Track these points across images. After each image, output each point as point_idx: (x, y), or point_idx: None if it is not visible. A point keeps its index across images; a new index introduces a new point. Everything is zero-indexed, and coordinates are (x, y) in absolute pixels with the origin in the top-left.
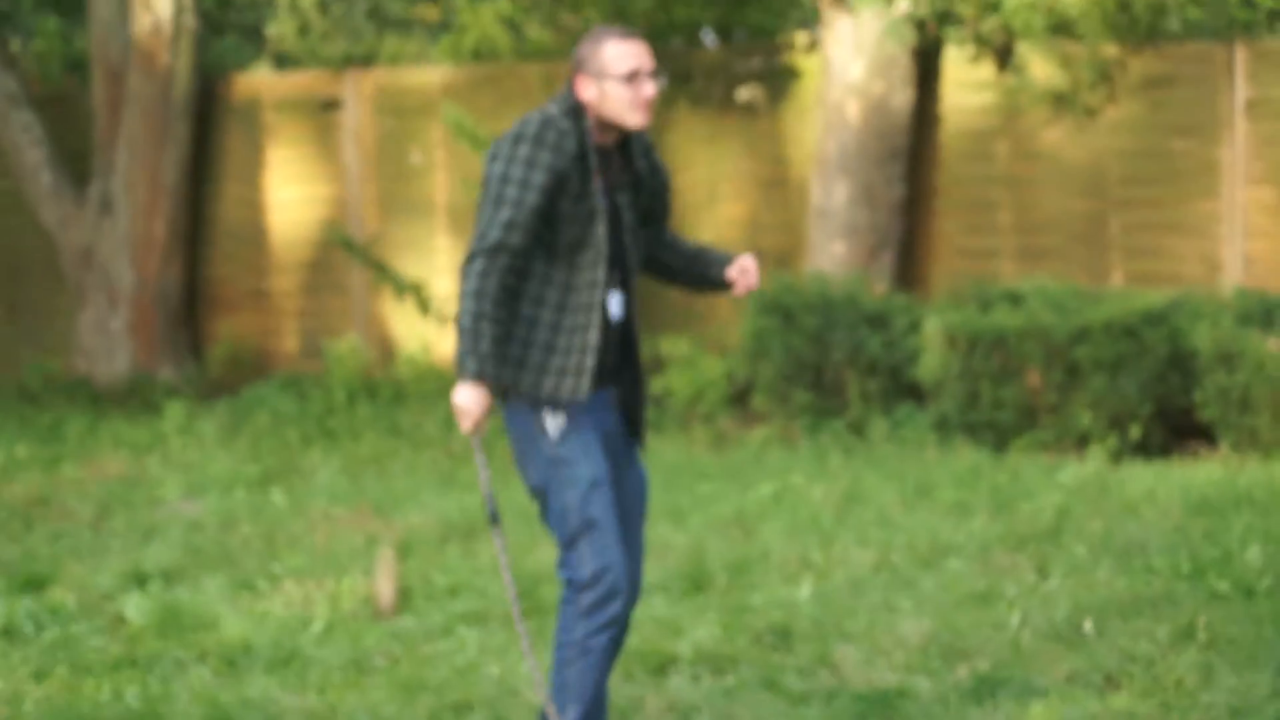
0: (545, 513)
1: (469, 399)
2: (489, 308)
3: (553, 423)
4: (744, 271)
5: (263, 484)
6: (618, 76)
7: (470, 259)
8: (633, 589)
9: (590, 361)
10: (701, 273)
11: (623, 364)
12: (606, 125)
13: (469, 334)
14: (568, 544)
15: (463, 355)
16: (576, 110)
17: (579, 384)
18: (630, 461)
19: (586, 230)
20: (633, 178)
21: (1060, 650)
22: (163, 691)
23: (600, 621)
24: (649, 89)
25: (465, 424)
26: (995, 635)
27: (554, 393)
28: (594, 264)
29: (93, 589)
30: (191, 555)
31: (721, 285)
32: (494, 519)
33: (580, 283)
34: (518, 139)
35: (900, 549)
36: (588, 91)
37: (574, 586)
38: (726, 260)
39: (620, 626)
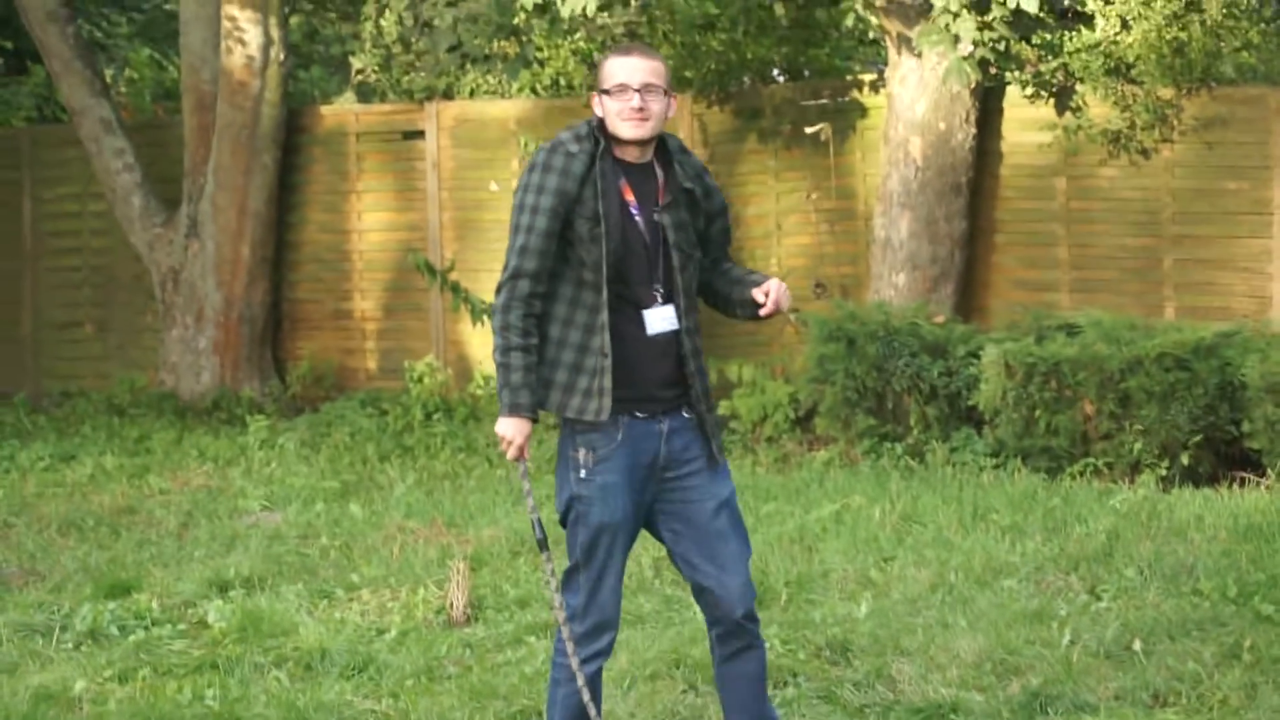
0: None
1: (506, 429)
2: (515, 339)
3: (584, 458)
4: (768, 292)
5: (341, 497)
6: (608, 90)
7: (498, 292)
8: (738, 600)
9: (607, 383)
10: (740, 296)
11: (680, 384)
12: (619, 141)
13: (500, 368)
14: (569, 572)
15: (499, 388)
16: (599, 129)
17: (601, 405)
18: (709, 479)
19: (603, 248)
20: (682, 198)
21: (1110, 668)
22: (241, 694)
23: (588, 652)
24: (634, 100)
25: (509, 453)
26: (1047, 653)
27: (580, 412)
28: (612, 282)
29: (176, 595)
30: (272, 564)
31: (751, 306)
32: (542, 545)
33: (599, 302)
34: (531, 167)
35: (956, 569)
36: (596, 109)
37: (569, 613)
38: (757, 282)
39: (604, 660)
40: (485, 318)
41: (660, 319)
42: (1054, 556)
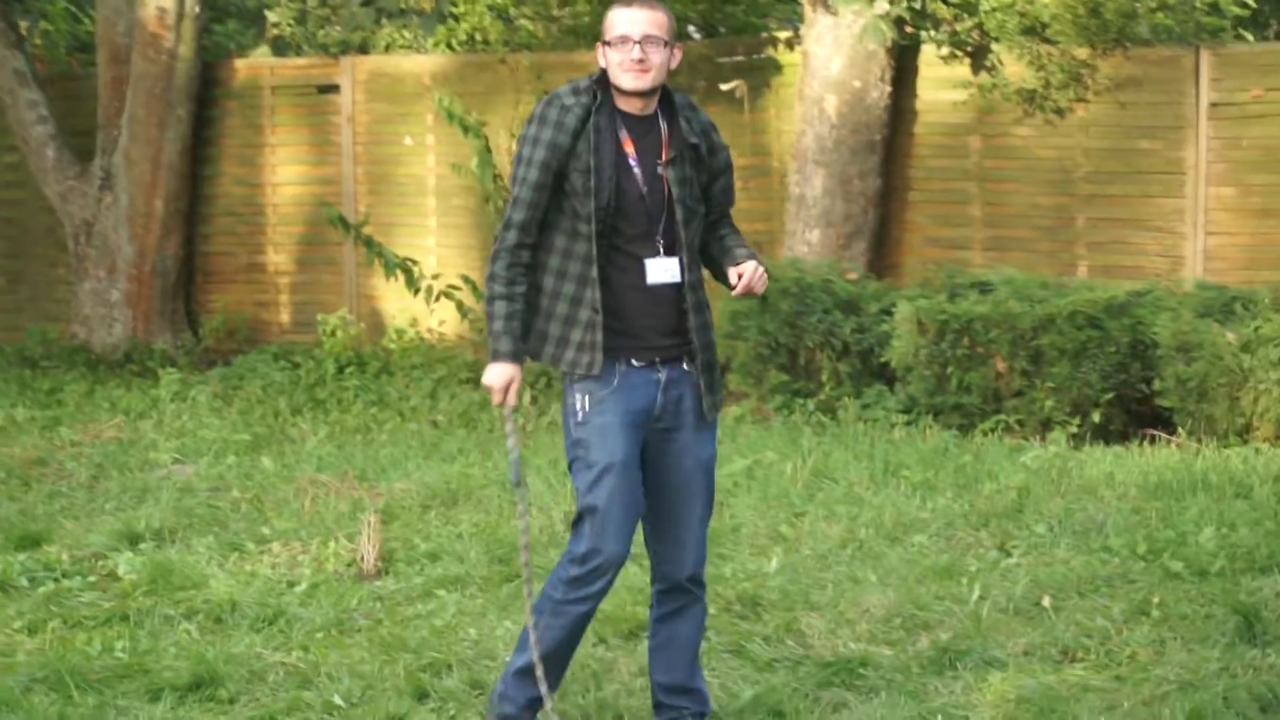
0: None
1: (492, 376)
2: (499, 288)
3: (580, 403)
4: (741, 274)
5: (253, 450)
6: (610, 40)
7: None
8: (689, 561)
9: (598, 337)
10: (726, 266)
11: (680, 335)
12: (621, 92)
13: (488, 316)
14: (575, 518)
15: (488, 336)
16: (599, 82)
17: (593, 359)
18: (693, 437)
19: (593, 202)
20: (687, 153)
21: (1019, 624)
22: (151, 646)
23: (581, 594)
24: (635, 52)
25: (494, 399)
26: (957, 608)
27: (572, 366)
28: (604, 235)
29: (86, 547)
30: (182, 517)
31: (726, 281)
32: (517, 483)
33: (591, 254)
34: (529, 119)
35: (867, 525)
36: (600, 59)
37: (569, 555)
38: (739, 260)
39: (596, 602)
40: (398, 271)
41: (661, 270)
42: (964, 513)
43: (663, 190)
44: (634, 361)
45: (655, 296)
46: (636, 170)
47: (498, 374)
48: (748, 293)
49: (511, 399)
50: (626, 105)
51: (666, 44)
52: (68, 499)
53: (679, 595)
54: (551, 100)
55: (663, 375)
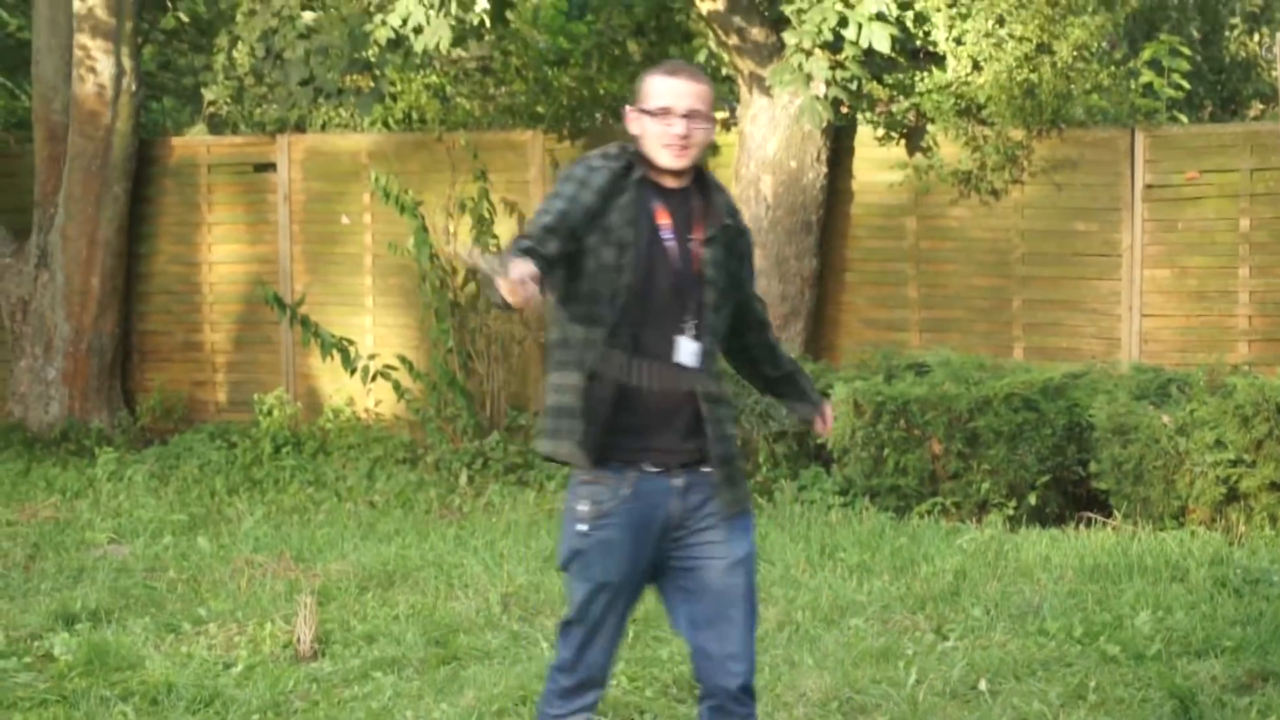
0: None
1: (513, 270)
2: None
3: (585, 510)
4: (826, 420)
5: (189, 530)
6: (650, 110)
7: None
8: (740, 670)
9: (588, 426)
10: (788, 400)
11: (699, 435)
12: (656, 168)
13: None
14: (564, 624)
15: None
16: (633, 154)
17: (574, 451)
18: (725, 536)
19: (624, 279)
20: (721, 234)
21: (956, 708)
22: None
23: (573, 706)
24: (677, 127)
25: (516, 300)
26: (894, 692)
27: (552, 454)
28: (627, 316)
29: (22, 627)
30: (119, 597)
31: (796, 414)
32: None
33: (601, 338)
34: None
35: (804, 607)
36: (633, 126)
37: (558, 664)
38: (809, 400)
39: (590, 713)
40: (334, 351)
41: (687, 356)
42: (901, 595)
43: (695, 270)
44: (648, 467)
45: (673, 392)
46: (670, 244)
47: (517, 267)
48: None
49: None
50: (660, 178)
51: (709, 119)
52: (3, 579)
53: (731, 712)
54: (579, 160)
55: (680, 481)
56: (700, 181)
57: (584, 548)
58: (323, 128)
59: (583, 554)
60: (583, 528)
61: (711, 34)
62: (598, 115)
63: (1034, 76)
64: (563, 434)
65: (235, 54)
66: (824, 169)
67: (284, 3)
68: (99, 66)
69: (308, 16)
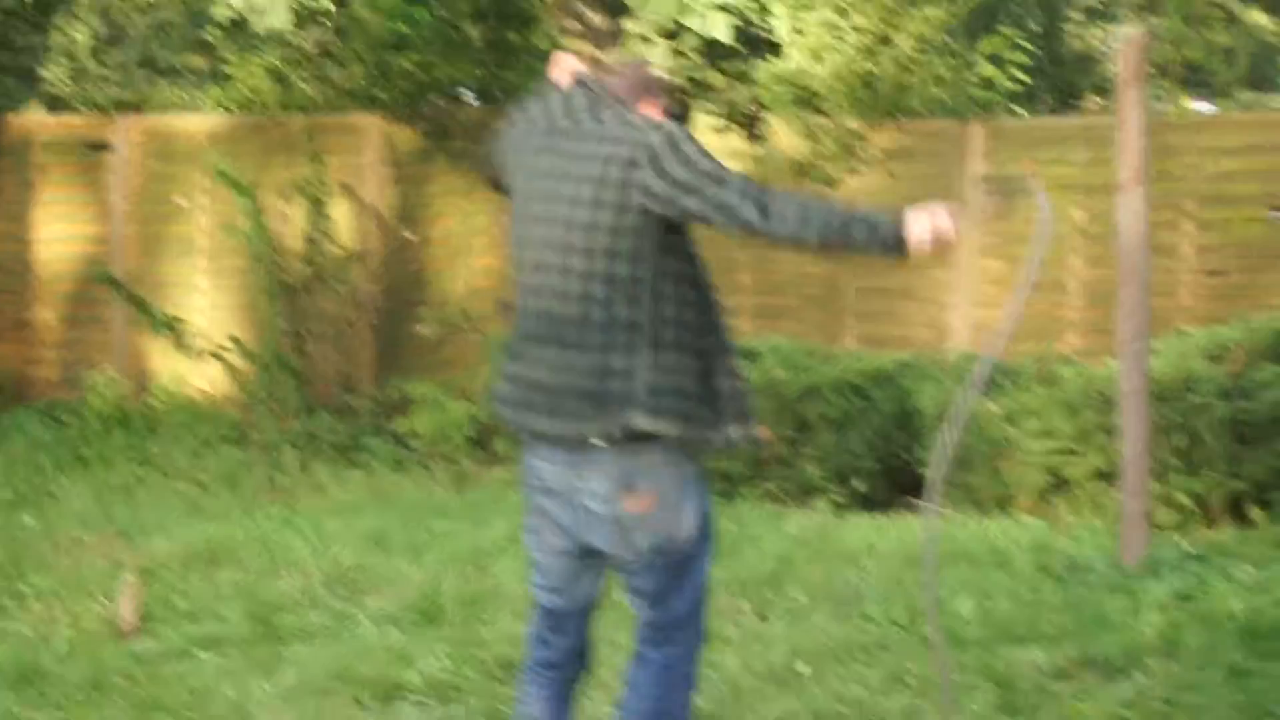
0: None
1: (933, 219)
2: (811, 205)
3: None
4: None
5: (14, 507)
6: None
7: (760, 209)
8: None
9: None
10: None
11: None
12: None
13: (843, 235)
14: (700, 605)
15: (863, 234)
16: None
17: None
18: None
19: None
20: None
21: (776, 691)
22: None
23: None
24: None
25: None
26: (714, 674)
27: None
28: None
29: None
30: None
31: None
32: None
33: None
34: (688, 137)
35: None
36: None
37: (701, 640)
38: None
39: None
40: (166, 330)
41: None
42: (725, 580)
43: None
44: None
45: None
46: None
47: (935, 213)
48: None
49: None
50: None
51: None
52: None
53: None
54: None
55: None
56: None
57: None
58: (162, 109)
59: (709, 518)
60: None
61: (552, 18)
62: (437, 99)
63: (874, 68)
64: (694, 420)
65: (74, 33)
66: None
67: None
68: None
69: None
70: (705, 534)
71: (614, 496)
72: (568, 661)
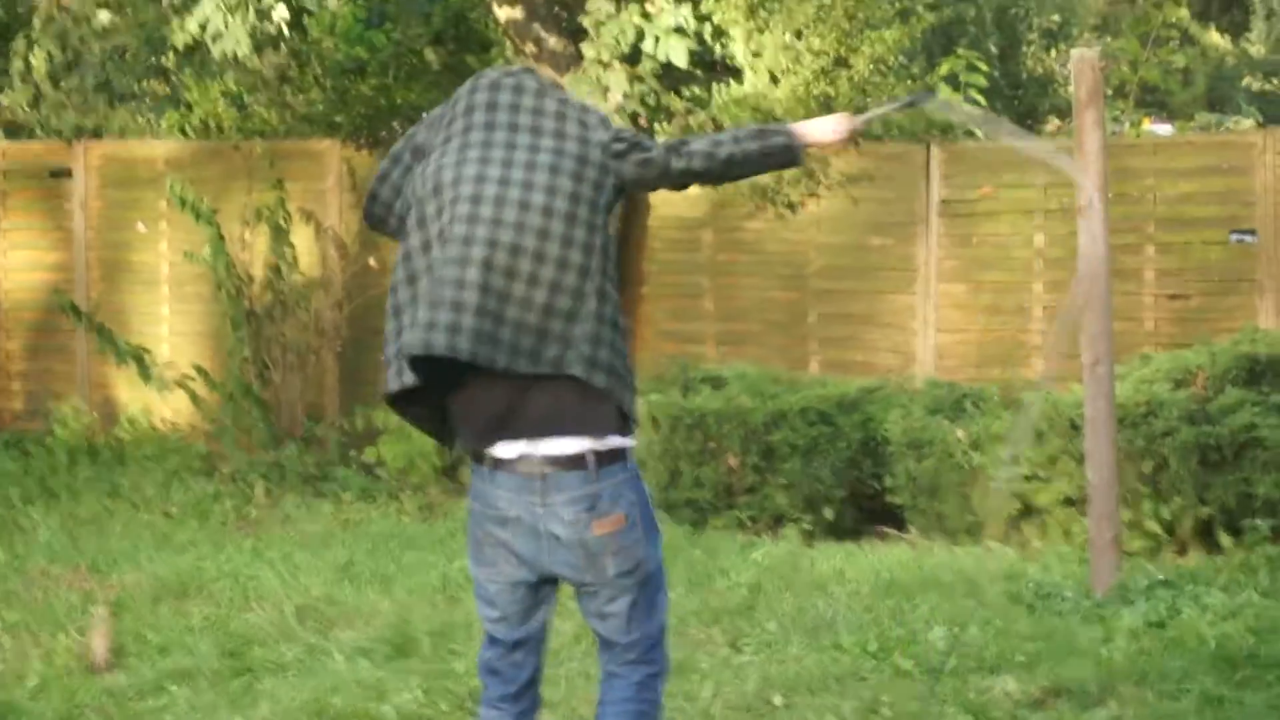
0: None
1: (831, 125)
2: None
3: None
4: None
5: None
6: None
7: (667, 151)
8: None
9: None
10: None
11: None
12: None
13: (744, 154)
14: (659, 633)
15: (762, 150)
16: None
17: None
18: None
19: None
20: None
21: None
22: None
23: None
24: None
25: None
26: (688, 705)
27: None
28: None
29: None
30: None
31: None
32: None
33: None
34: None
35: None
36: None
37: (663, 673)
38: None
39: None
40: (130, 360)
41: None
42: (696, 609)
43: None
44: None
45: None
46: None
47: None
48: None
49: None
50: None
51: None
52: None
53: None
54: None
55: None
56: None
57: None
58: (120, 134)
59: (657, 542)
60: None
61: (510, 43)
62: (395, 124)
63: (831, 90)
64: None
65: (32, 59)
66: None
67: (81, 4)
68: None
69: (104, 17)
70: (658, 562)
71: (581, 520)
72: (523, 693)
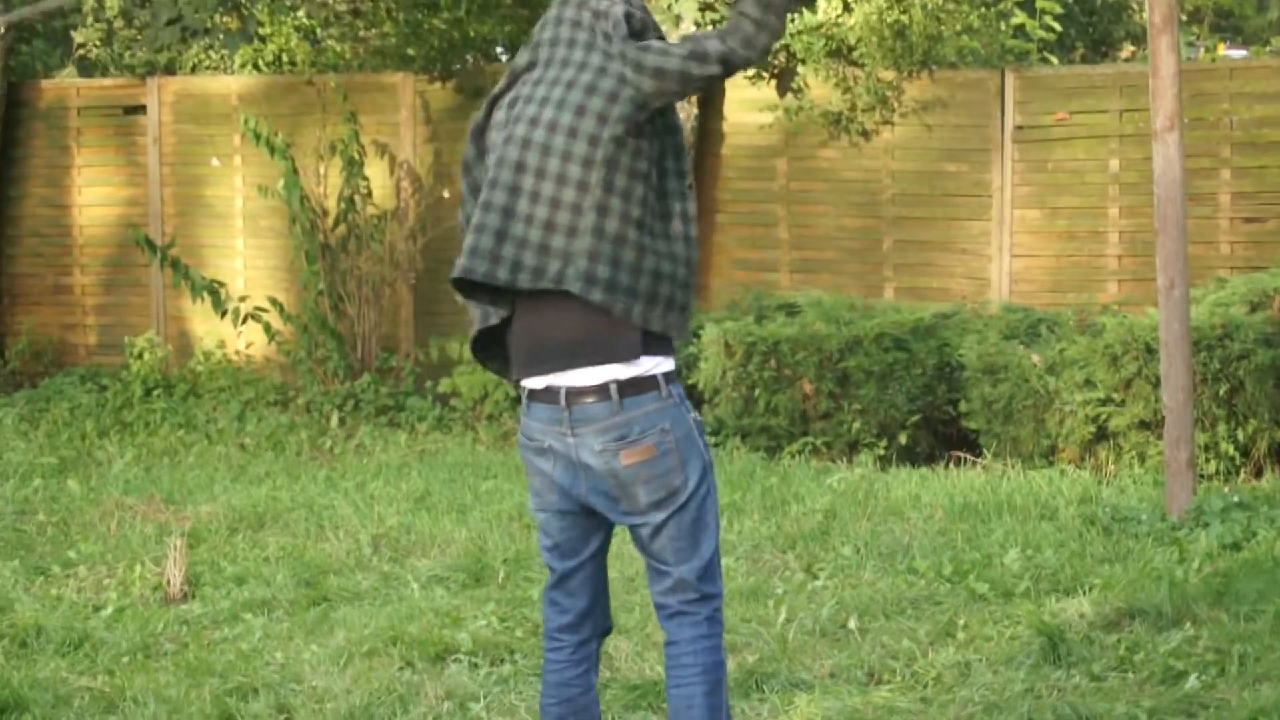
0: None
1: None
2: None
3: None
4: None
5: (59, 473)
6: None
7: (724, 55)
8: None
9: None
10: None
11: None
12: None
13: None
14: (711, 559)
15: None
16: None
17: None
18: None
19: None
20: None
21: (825, 646)
22: None
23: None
24: None
25: None
26: (763, 630)
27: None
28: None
29: None
30: None
31: None
32: None
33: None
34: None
35: None
36: None
37: (717, 604)
38: None
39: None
40: (205, 294)
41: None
42: (771, 535)
43: None
44: None
45: None
46: None
47: None
48: None
49: None
50: None
51: None
52: None
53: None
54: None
55: None
56: None
57: (710, 460)
58: (193, 70)
59: (710, 466)
60: (703, 443)
61: None
62: (469, 57)
63: (904, 18)
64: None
65: None
66: (695, 110)
67: None
68: None
69: None
70: (710, 483)
71: (610, 450)
72: (580, 623)
